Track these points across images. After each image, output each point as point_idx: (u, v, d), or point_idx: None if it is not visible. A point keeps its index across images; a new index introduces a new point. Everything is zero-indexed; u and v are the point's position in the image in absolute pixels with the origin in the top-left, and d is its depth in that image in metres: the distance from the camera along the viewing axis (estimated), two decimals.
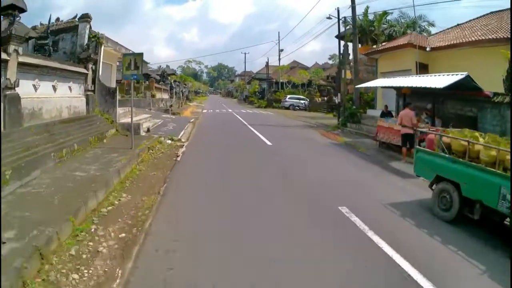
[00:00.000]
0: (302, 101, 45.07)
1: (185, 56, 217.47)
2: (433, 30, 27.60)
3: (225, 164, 10.42)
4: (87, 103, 14.25)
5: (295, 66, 64.27)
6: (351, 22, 24.92)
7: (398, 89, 15.45)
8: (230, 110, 38.33)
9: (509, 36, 13.41)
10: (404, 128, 11.99)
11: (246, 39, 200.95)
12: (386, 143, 13.70)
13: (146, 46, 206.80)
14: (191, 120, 22.44)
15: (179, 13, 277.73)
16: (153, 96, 30.99)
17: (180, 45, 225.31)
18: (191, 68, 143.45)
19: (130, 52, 15.95)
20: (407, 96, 14.75)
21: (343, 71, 44.48)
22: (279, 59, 52.58)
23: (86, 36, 15.12)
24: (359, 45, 31.02)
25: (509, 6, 15.39)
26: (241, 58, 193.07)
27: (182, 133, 16.07)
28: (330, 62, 59.68)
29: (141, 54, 11.21)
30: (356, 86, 18.25)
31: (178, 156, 11.14)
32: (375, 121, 18.65)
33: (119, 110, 17.77)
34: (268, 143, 14.69)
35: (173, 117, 23.81)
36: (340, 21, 25.60)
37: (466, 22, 19.45)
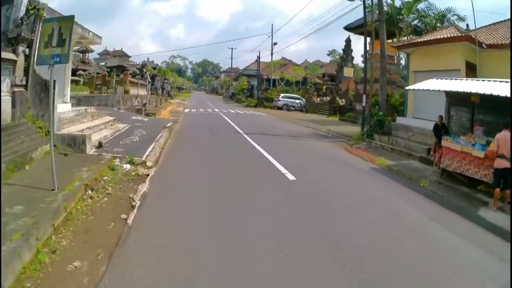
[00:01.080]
0: (297, 101, 40.54)
1: (171, 53, 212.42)
2: (461, 25, 23.29)
3: (223, 240, 5.11)
4: (13, 105, 9.36)
5: (286, 63, 59.74)
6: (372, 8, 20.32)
7: (455, 96, 11.10)
8: (216, 110, 33.46)
9: None
10: (502, 159, 7.57)
11: (232, 36, 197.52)
12: (450, 171, 9.31)
13: (132, 41, 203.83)
14: (168, 125, 17.56)
15: (166, 9, 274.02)
16: (126, 92, 25.91)
17: (166, 41, 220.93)
18: (175, 64, 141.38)
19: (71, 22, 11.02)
20: (476, 106, 10.43)
21: (344, 68, 40.45)
22: (272, 54, 47.95)
23: (23, 8, 10.36)
24: (368, 39, 26.69)
25: None
26: (227, 56, 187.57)
27: (150, 148, 11.09)
28: (329, 58, 55.40)
29: (70, 19, 6.32)
30: (407, 88, 13.69)
31: (133, 207, 6.26)
32: (413, 133, 14.32)
33: (70, 113, 12.85)
34: (287, 174, 9.24)
35: (146, 119, 18.76)
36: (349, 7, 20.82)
37: None
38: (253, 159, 11.21)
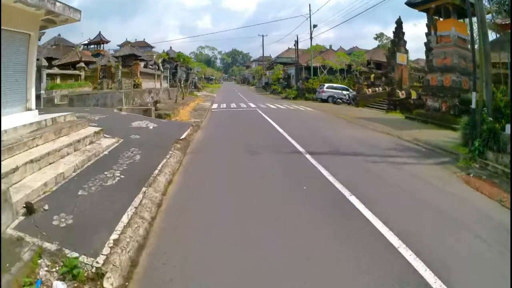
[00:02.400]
0: (345, 92, 33.97)
1: (196, 41, 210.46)
2: None
3: None
4: None
5: (325, 49, 52.86)
6: None
7: None
8: (252, 105, 27.42)
9: None
10: None
11: (259, 26, 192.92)
12: None
13: (158, 35, 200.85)
14: (183, 135, 11.84)
15: (191, 1, 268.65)
16: (136, 85, 20.55)
17: (193, 33, 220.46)
18: (204, 54, 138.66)
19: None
20: None
21: (397, 54, 33.35)
22: (311, 37, 41.11)
23: None
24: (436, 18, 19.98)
25: None
26: (256, 45, 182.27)
27: (128, 213, 5.16)
28: (376, 43, 48.04)
29: None
30: None
31: None
32: None
33: (23, 129, 7.39)
34: None
35: (152, 126, 12.86)
36: None
37: None
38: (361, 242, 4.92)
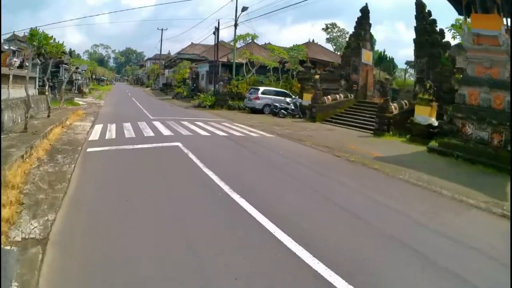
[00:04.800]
0: (288, 99, 25.25)
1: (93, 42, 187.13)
2: None
3: None
4: None
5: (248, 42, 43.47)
6: None
7: None
8: (163, 129, 15.20)
9: None
10: None
11: (157, 24, 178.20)
12: None
13: (57, 31, 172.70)
14: None
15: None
16: None
17: (91, 30, 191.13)
18: (98, 53, 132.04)
19: None
20: None
21: (362, 51, 25.23)
22: (236, 24, 30.99)
23: None
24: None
25: None
26: (151, 44, 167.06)
27: None
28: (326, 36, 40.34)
29: None
30: None
31: None
32: None
33: None
34: None
35: None
36: None
37: None
38: None
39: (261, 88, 25.84)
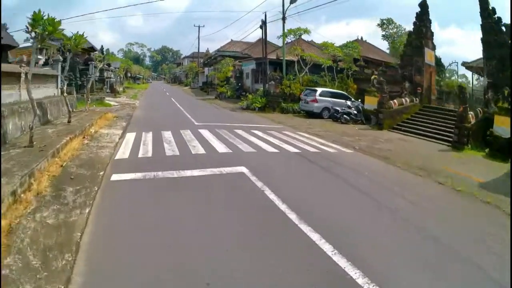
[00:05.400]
0: (349, 102, 21.63)
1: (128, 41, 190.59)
2: None
3: None
4: None
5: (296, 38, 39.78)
6: None
7: None
8: (215, 143, 11.48)
9: None
10: None
11: (191, 23, 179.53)
12: None
13: (89, 30, 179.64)
14: None
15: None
16: None
17: (124, 30, 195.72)
18: (133, 52, 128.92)
19: None
20: None
21: (425, 50, 19.69)
22: (284, 18, 27.32)
23: None
24: None
25: None
26: (187, 43, 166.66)
27: None
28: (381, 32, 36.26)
29: None
30: None
31: None
32: None
33: None
34: None
35: None
36: None
37: None
38: None
39: (319, 89, 22.13)
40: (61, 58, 16.35)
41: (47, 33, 9.21)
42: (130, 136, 11.91)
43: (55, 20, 9.48)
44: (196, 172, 7.80)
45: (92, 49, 35.77)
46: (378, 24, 43.12)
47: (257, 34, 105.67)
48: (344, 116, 19.95)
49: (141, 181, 7.11)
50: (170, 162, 8.61)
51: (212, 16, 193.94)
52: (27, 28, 8.64)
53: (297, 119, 20.45)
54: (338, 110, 20.37)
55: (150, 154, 9.39)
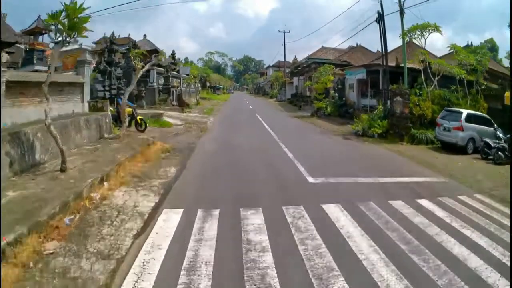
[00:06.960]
0: (497, 131, 15.48)
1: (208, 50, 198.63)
2: None
3: None
4: None
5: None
6: None
7: None
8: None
9: None
10: None
11: (272, 33, 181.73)
12: None
13: (171, 41, 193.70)
14: None
15: (204, 8, 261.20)
16: None
17: (205, 40, 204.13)
18: (214, 61, 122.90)
19: None
20: None
21: None
22: (401, 11, 21.05)
23: None
24: None
25: None
26: (268, 54, 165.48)
27: None
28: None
29: None
30: None
31: None
32: None
33: None
34: None
35: None
36: None
37: None
38: None
39: (464, 112, 15.80)
40: (88, 60, 12.91)
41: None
42: (169, 228, 5.82)
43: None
44: None
45: (155, 51, 33.11)
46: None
47: (350, 41, 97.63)
48: (499, 153, 13.72)
49: None
50: None
51: (294, 25, 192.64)
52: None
53: (443, 157, 14.26)
54: (488, 143, 14.23)
55: None
